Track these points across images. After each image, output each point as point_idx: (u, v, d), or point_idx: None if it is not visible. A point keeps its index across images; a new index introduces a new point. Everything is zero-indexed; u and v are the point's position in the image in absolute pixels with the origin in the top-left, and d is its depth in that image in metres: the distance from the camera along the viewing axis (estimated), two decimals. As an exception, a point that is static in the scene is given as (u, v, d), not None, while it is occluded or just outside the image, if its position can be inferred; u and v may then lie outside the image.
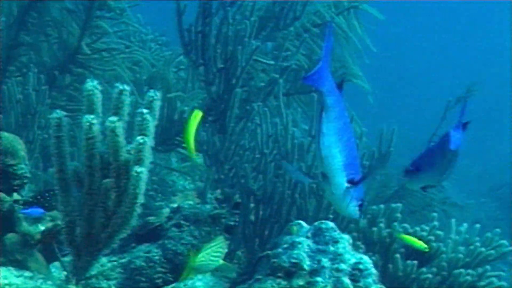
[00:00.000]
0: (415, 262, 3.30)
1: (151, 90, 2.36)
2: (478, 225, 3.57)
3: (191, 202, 3.18)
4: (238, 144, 3.38)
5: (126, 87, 2.34)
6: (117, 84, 2.36)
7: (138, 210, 2.47)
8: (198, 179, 3.62)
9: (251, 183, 3.19)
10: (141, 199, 2.43)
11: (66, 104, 3.78)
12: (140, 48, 4.34)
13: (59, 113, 2.34)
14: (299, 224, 2.96)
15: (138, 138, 2.32)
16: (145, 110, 2.33)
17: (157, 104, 2.37)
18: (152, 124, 2.34)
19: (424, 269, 3.30)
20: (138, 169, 2.34)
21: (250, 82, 3.61)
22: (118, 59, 3.99)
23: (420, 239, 3.34)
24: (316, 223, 2.94)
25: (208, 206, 3.17)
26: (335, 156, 2.25)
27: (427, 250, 3.22)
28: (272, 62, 3.64)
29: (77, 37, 3.91)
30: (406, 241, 3.18)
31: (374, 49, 4.04)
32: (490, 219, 9.27)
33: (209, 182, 3.37)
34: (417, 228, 3.44)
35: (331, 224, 2.93)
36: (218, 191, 3.35)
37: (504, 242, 3.50)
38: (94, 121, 2.33)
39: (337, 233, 2.92)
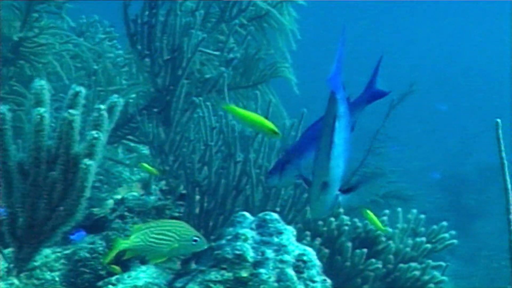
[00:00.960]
0: (365, 250, 3.33)
1: (115, 96, 2.40)
2: (423, 216, 3.60)
3: (135, 194, 3.17)
4: (183, 135, 3.39)
5: (82, 90, 2.37)
6: (73, 86, 2.39)
7: (84, 204, 2.49)
8: (144, 171, 3.61)
9: (196, 175, 3.19)
10: (87, 193, 2.45)
11: (6, 96, 3.75)
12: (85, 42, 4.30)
13: (2, 108, 2.35)
14: (243, 215, 2.97)
15: (93, 132, 2.34)
16: (102, 106, 2.36)
17: (118, 109, 2.40)
18: (107, 121, 2.36)
19: (373, 260, 3.34)
20: (88, 162, 2.36)
21: (195, 75, 3.61)
22: (62, 53, 3.95)
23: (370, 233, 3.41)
24: (260, 215, 2.96)
25: (152, 198, 3.17)
26: (340, 166, 2.21)
27: (387, 232, 3.27)
28: (218, 53, 3.65)
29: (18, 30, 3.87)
30: (369, 220, 3.20)
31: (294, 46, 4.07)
32: (437, 210, 9.40)
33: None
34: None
35: (275, 215, 2.95)
36: (163, 182, 3.35)
37: (447, 235, 3.56)
38: (45, 114, 2.35)
39: (281, 225, 2.94)
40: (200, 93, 3.50)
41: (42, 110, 2.32)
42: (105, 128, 2.37)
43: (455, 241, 3.62)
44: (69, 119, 2.33)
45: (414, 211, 3.59)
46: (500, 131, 2.56)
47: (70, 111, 2.33)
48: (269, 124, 2.55)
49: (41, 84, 2.36)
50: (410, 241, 3.44)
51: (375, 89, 2.26)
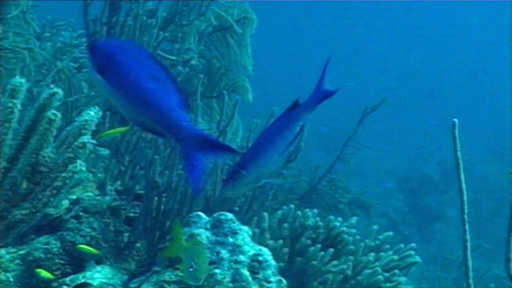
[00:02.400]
0: (331, 249, 3.34)
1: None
2: (391, 233, 3.66)
3: (90, 194, 3.17)
4: (140, 136, 3.39)
5: (60, 91, 2.40)
6: (52, 87, 2.42)
7: (43, 207, 2.52)
8: (102, 171, 3.61)
9: (156, 175, 3.20)
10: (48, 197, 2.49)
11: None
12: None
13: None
14: (198, 215, 2.98)
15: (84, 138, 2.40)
16: (92, 112, 2.41)
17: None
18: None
19: (335, 262, 3.34)
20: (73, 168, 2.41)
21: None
22: (26, 58, 3.93)
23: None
24: (215, 215, 2.97)
25: (107, 198, 3.17)
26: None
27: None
28: (174, 58, 3.66)
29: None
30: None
31: (250, 67, 4.11)
32: (398, 213, 9.47)
33: (109, 174, 3.37)
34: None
35: (230, 215, 2.97)
36: (119, 182, 3.35)
37: (412, 252, 3.57)
38: (15, 108, 2.38)
39: (236, 225, 2.95)
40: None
41: (14, 101, 2.35)
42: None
43: (418, 260, 3.62)
44: (49, 117, 2.35)
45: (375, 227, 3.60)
46: (456, 131, 2.61)
47: (53, 111, 2.37)
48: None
49: (20, 81, 2.39)
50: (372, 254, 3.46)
51: (323, 90, 2.28)
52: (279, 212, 3.46)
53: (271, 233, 3.36)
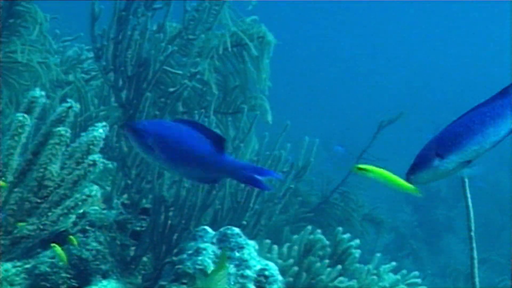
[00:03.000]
0: (339, 266, 3.33)
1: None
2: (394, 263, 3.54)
3: (96, 208, 3.15)
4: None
5: (76, 105, 2.45)
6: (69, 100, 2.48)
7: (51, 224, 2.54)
8: (109, 185, 3.60)
9: (163, 190, 3.19)
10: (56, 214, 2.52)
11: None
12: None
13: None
14: (205, 229, 2.98)
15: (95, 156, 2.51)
16: (101, 129, 2.45)
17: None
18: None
19: (342, 278, 3.31)
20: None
21: (159, 88, 3.62)
22: (39, 72, 3.94)
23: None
24: (221, 229, 2.96)
25: (114, 212, 3.16)
26: None
27: None
28: (180, 72, 3.66)
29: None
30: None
31: (269, 83, 4.10)
32: (406, 227, 9.44)
33: (115, 187, 3.37)
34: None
35: (236, 230, 2.96)
36: (125, 196, 3.35)
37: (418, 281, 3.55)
38: (26, 122, 2.42)
39: (242, 239, 2.94)
40: (164, 107, 3.49)
41: (26, 116, 2.39)
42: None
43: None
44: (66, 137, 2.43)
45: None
46: None
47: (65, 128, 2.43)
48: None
49: (39, 94, 2.43)
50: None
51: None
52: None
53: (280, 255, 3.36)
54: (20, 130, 2.43)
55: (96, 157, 2.51)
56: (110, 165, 3.67)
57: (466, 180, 2.81)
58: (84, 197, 2.56)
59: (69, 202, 2.57)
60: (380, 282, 3.38)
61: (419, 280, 3.54)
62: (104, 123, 2.55)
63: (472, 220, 2.67)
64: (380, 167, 2.33)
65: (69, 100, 2.54)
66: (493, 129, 1.98)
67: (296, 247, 3.36)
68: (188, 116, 3.61)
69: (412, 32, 31.39)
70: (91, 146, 2.54)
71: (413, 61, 29.11)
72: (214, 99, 3.66)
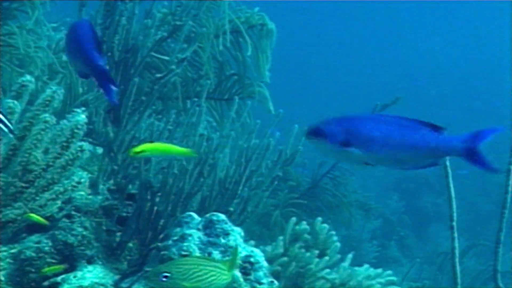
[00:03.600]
0: (327, 257, 3.33)
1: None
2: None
3: (82, 193, 3.14)
4: (134, 135, 3.37)
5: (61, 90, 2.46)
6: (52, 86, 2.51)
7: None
8: (95, 170, 3.59)
9: (151, 176, 3.18)
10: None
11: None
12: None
13: None
14: (191, 215, 2.97)
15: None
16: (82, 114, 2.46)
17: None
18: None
19: (328, 270, 3.33)
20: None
21: (146, 74, 3.61)
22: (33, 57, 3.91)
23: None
24: (207, 215, 2.96)
25: (100, 197, 3.14)
26: None
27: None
28: (167, 58, 3.65)
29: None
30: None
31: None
32: (395, 214, 9.47)
33: (101, 173, 3.35)
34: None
35: (222, 216, 2.95)
36: (111, 181, 3.33)
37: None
38: (17, 108, 2.42)
39: (228, 226, 2.94)
40: (150, 92, 3.48)
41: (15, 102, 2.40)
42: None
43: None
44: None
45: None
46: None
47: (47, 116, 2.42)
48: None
49: (30, 79, 2.43)
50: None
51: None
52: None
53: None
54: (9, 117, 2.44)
55: (84, 143, 2.52)
56: (98, 151, 3.66)
57: (449, 170, 2.82)
58: (73, 183, 2.58)
59: (57, 187, 2.58)
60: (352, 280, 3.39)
61: (394, 278, 3.54)
62: (83, 108, 2.57)
63: (455, 210, 2.68)
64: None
65: (52, 85, 2.53)
66: (410, 145, 2.02)
67: (281, 238, 3.37)
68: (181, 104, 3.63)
69: (407, 24, 31.40)
70: (75, 131, 2.55)
71: (406, 52, 29.11)
72: (207, 86, 3.65)
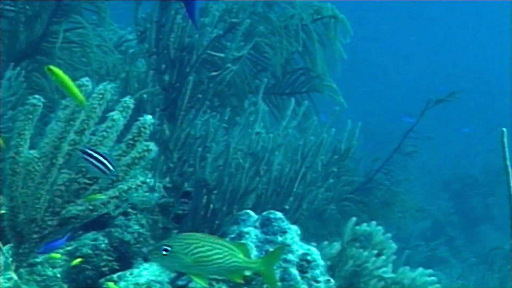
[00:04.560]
0: (384, 257, 3.26)
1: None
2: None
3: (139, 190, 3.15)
4: (189, 133, 3.37)
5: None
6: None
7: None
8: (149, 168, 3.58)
9: (206, 173, 3.17)
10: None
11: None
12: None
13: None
14: (247, 213, 2.94)
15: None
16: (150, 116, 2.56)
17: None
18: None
19: (385, 269, 3.26)
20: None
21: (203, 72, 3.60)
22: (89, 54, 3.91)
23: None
24: (264, 213, 2.92)
25: (156, 195, 3.11)
26: None
27: None
28: (222, 55, 3.62)
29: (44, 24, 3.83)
30: None
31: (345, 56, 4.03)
32: (444, 214, 9.40)
33: (158, 171, 3.34)
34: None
35: (279, 214, 2.91)
36: (167, 179, 3.32)
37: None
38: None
39: (285, 224, 2.90)
40: (206, 90, 3.46)
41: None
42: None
43: None
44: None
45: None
46: (505, 139, 2.53)
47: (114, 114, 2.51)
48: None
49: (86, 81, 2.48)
50: None
51: None
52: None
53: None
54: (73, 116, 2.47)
55: (151, 143, 2.55)
56: (151, 146, 3.65)
57: (510, 170, 2.72)
58: (138, 182, 2.59)
59: (121, 185, 2.58)
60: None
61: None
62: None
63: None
64: None
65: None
66: None
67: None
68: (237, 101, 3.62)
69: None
70: (142, 130, 2.55)
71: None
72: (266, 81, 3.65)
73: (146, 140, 2.61)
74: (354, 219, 3.35)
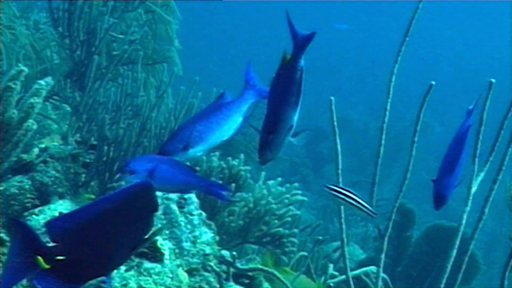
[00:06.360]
0: (233, 184, 3.37)
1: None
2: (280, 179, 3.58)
3: (56, 143, 3.20)
4: (95, 99, 3.45)
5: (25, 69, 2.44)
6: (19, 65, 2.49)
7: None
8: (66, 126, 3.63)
9: (106, 130, 3.25)
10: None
11: None
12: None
13: None
14: (137, 160, 3.03)
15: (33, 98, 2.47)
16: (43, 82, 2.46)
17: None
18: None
19: (239, 193, 3.39)
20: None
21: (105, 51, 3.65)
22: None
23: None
24: (150, 162, 3.02)
25: (69, 147, 3.21)
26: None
27: None
28: (122, 36, 3.71)
29: None
30: None
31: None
32: (298, 157, 9.57)
33: (70, 128, 3.41)
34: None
35: (163, 160, 3.03)
36: (78, 135, 3.39)
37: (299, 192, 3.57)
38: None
39: (166, 167, 3.01)
40: (108, 66, 3.55)
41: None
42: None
43: (305, 198, 3.69)
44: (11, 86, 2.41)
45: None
46: (333, 107, 2.73)
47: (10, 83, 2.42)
48: None
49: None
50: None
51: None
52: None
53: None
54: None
55: (32, 99, 2.48)
56: (67, 109, 3.70)
57: (336, 127, 2.90)
58: (24, 132, 2.53)
59: (15, 138, 2.50)
60: (270, 195, 3.42)
61: (299, 192, 3.56)
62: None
63: (340, 160, 2.81)
64: None
65: (19, 64, 2.54)
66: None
67: (198, 168, 3.36)
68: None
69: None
70: (35, 95, 2.51)
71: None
72: (141, 58, 3.74)
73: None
74: (215, 159, 3.45)
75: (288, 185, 3.55)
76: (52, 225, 1.48)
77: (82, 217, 1.50)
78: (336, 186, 2.33)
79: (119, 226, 1.54)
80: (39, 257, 1.41)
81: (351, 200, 2.30)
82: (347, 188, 2.34)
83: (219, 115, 2.23)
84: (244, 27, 27.66)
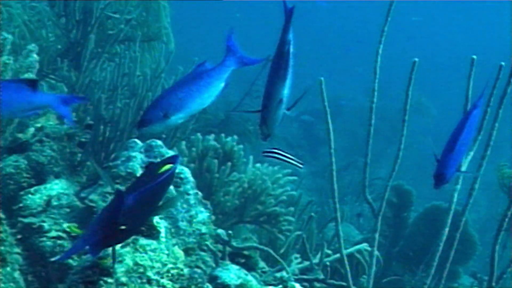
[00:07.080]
0: (229, 163, 3.37)
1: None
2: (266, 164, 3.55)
3: (51, 123, 3.19)
4: (91, 79, 3.42)
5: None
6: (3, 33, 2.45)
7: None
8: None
9: (102, 110, 3.23)
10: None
11: None
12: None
13: None
14: (135, 141, 3.04)
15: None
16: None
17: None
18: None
19: (234, 173, 3.38)
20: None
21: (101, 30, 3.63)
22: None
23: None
24: (147, 141, 3.03)
25: (65, 126, 3.17)
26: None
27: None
28: (118, 16, 3.68)
29: None
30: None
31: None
32: (295, 139, 9.58)
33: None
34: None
35: (159, 142, 3.03)
36: (74, 114, 3.37)
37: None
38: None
39: (164, 149, 3.02)
40: (104, 45, 3.53)
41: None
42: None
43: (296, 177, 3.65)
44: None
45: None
46: (323, 86, 2.73)
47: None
48: None
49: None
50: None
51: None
52: (183, 142, 3.48)
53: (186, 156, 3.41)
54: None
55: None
56: (64, 88, 3.67)
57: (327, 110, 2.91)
58: None
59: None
60: (264, 175, 3.43)
61: (290, 170, 3.53)
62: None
63: (332, 142, 2.81)
64: None
65: (3, 32, 2.50)
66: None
67: (194, 149, 3.42)
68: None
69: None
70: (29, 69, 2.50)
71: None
72: (139, 38, 3.72)
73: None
74: (199, 135, 3.45)
75: (278, 166, 3.53)
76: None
77: (137, 197, 1.95)
78: (271, 149, 2.52)
79: (157, 201, 2.07)
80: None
81: (280, 156, 2.52)
82: (280, 149, 2.53)
83: (200, 82, 2.23)
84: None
